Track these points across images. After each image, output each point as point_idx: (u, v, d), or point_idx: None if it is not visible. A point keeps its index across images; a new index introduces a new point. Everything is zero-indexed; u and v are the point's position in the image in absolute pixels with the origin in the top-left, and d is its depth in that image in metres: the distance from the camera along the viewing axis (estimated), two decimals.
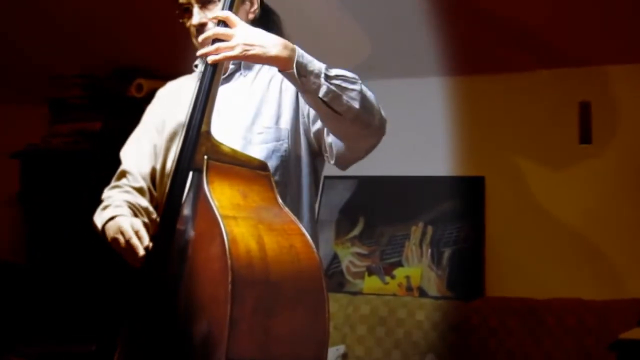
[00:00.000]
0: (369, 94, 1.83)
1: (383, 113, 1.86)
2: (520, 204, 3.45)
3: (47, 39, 3.78)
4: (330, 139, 1.91)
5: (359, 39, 3.53)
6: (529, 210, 3.43)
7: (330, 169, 2.05)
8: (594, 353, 3.01)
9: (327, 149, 1.94)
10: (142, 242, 1.78)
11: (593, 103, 3.32)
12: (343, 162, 1.95)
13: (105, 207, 1.97)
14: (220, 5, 1.89)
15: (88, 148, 3.82)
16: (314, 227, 2.02)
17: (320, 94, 1.75)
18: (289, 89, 1.97)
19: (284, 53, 1.72)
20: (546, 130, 3.42)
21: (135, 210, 1.97)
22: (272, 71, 1.99)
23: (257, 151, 1.90)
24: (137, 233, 1.79)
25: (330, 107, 1.77)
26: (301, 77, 1.73)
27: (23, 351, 3.51)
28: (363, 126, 1.83)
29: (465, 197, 3.52)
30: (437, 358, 3.24)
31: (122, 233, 1.81)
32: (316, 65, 1.75)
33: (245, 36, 1.73)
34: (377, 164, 3.39)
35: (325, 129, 1.90)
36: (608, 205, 3.30)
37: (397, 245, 3.59)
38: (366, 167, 3.58)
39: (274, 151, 1.92)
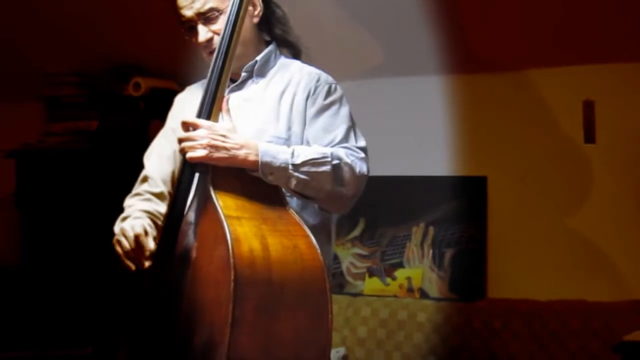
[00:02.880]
0: (343, 162, 1.87)
1: (363, 169, 1.91)
2: (524, 204, 3.45)
3: (43, 37, 3.79)
4: None
5: (359, 38, 3.53)
6: (533, 210, 3.43)
7: None
8: (600, 356, 3.00)
9: None
10: (143, 249, 1.81)
11: (597, 102, 3.30)
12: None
13: (125, 218, 1.99)
14: (223, 18, 1.95)
15: (85, 147, 3.82)
16: (324, 237, 2.01)
17: (291, 186, 1.82)
18: (299, 105, 2.01)
19: (251, 157, 1.79)
20: (550, 129, 3.42)
21: (155, 219, 1.99)
22: (283, 82, 2.05)
23: None
24: (137, 237, 1.81)
25: (301, 195, 1.85)
26: (268, 176, 1.80)
27: (18, 354, 3.52)
28: (334, 199, 1.89)
29: (467, 197, 3.53)
30: None
31: (125, 236, 1.83)
32: (281, 158, 1.80)
33: (209, 138, 1.78)
34: (379, 163, 3.51)
35: None
36: (612, 205, 3.29)
37: (398, 246, 3.60)
38: None
39: None
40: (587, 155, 3.33)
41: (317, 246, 1.72)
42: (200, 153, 1.77)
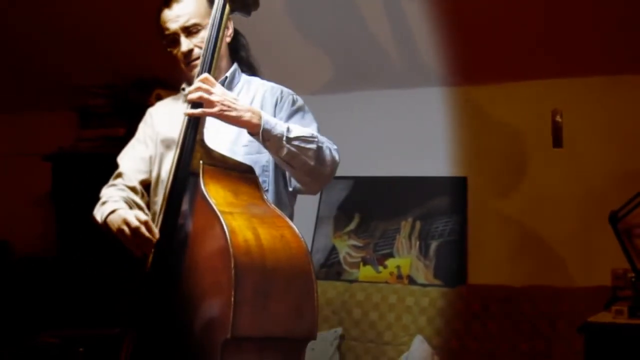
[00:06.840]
0: (325, 146, 1.99)
1: (337, 157, 2.02)
2: (499, 201, 3.53)
3: (76, 54, 3.95)
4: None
5: (355, 51, 3.60)
6: (507, 206, 3.51)
7: None
8: (567, 335, 3.10)
9: (288, 179, 2.11)
10: (152, 234, 1.85)
11: (564, 111, 3.39)
12: (300, 193, 2.14)
13: (104, 203, 2.07)
14: (203, 33, 2.04)
15: (113, 152, 3.63)
16: None
17: (282, 155, 1.91)
18: (267, 108, 2.09)
19: (254, 119, 1.89)
20: (522, 135, 3.49)
21: (131, 204, 2.07)
22: (252, 90, 2.14)
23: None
24: (145, 224, 1.86)
25: (289, 164, 1.95)
26: (265, 141, 1.90)
27: (54, 333, 3.58)
28: (315, 177, 2.00)
29: (450, 195, 3.60)
30: (425, 339, 3.32)
31: (127, 224, 1.88)
32: (278, 129, 1.90)
33: (223, 97, 1.88)
34: (372, 165, 3.69)
35: None
36: (577, 202, 3.37)
37: (389, 239, 3.66)
38: (362, 168, 3.75)
39: (256, 162, 2.02)
40: (555, 157, 3.42)
41: (300, 235, 1.80)
42: (215, 109, 1.86)
